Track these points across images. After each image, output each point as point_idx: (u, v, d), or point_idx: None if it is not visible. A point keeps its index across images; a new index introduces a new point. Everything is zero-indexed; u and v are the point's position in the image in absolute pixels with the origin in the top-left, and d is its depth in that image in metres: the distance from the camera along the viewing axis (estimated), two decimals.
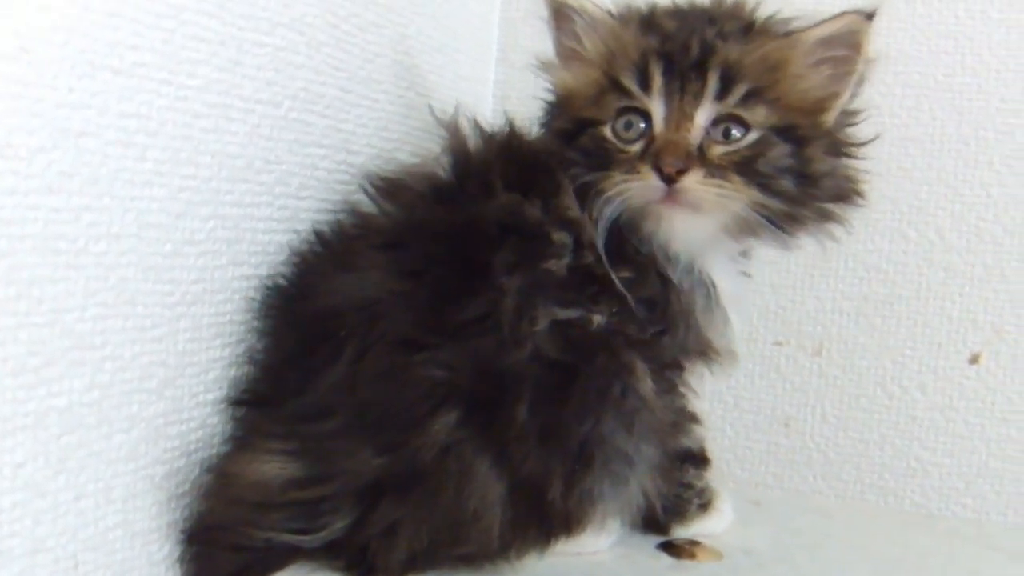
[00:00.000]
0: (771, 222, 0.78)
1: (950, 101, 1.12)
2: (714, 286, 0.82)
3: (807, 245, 0.86)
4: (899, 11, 1.12)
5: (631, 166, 0.76)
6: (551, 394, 0.71)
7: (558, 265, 0.74)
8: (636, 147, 0.77)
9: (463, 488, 0.69)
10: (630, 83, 0.78)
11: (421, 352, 0.70)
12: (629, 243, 0.78)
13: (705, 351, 0.82)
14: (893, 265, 1.13)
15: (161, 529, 0.71)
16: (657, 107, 0.77)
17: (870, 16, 0.78)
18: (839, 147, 0.82)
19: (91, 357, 0.63)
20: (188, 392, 0.72)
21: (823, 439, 1.16)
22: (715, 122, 0.77)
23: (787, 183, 0.78)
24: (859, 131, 0.84)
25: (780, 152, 0.78)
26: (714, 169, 0.76)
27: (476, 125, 0.82)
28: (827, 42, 0.79)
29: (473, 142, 0.81)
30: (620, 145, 0.78)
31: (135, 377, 0.67)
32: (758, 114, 0.78)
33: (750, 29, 0.80)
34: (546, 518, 0.72)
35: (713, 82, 0.77)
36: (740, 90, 0.77)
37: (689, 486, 0.86)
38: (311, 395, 0.72)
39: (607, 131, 0.79)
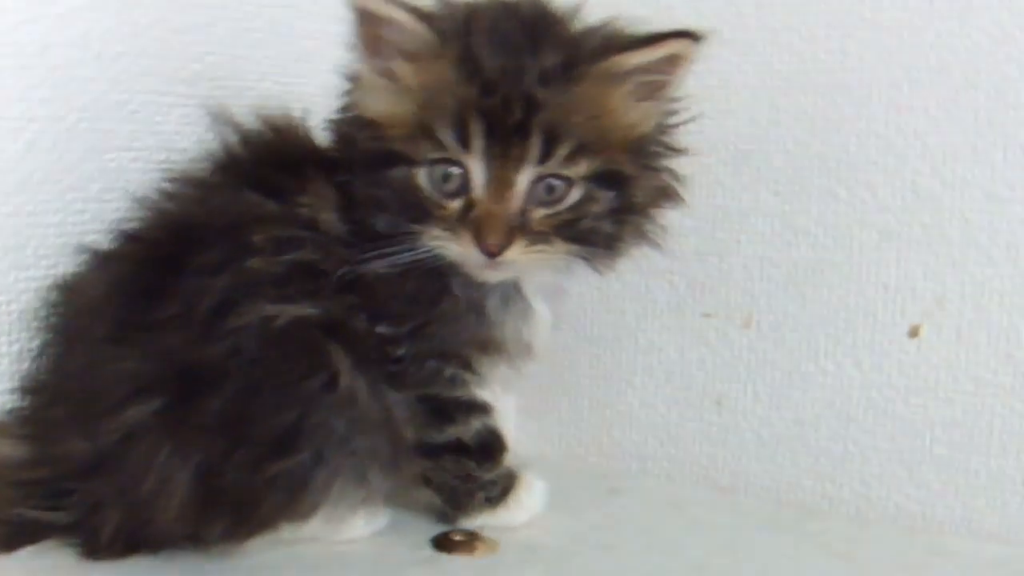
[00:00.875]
0: (590, 264, 0.90)
1: (878, 40, 1.10)
2: (517, 279, 0.90)
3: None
4: None
5: (450, 227, 0.83)
6: (247, 386, 0.81)
7: (271, 262, 0.83)
8: (455, 205, 0.84)
9: (141, 470, 0.81)
10: (448, 138, 0.82)
11: (119, 346, 0.83)
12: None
13: (485, 344, 0.91)
14: (822, 228, 1.13)
15: None
16: (477, 169, 0.83)
17: (698, 39, 0.85)
18: (659, 157, 0.90)
19: None
20: None
21: (756, 419, 1.18)
22: (535, 182, 0.84)
23: (606, 225, 0.88)
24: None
25: (603, 202, 0.87)
26: (535, 236, 0.84)
27: (260, 119, 0.91)
28: (650, 68, 0.86)
29: (240, 137, 0.90)
30: (436, 198, 0.84)
31: None
32: (580, 168, 0.84)
33: (572, 61, 0.84)
34: (233, 504, 0.83)
35: (536, 146, 0.82)
36: (564, 150, 0.83)
37: (469, 478, 0.94)
38: (49, 385, 0.88)
39: (421, 178, 0.84)
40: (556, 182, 0.84)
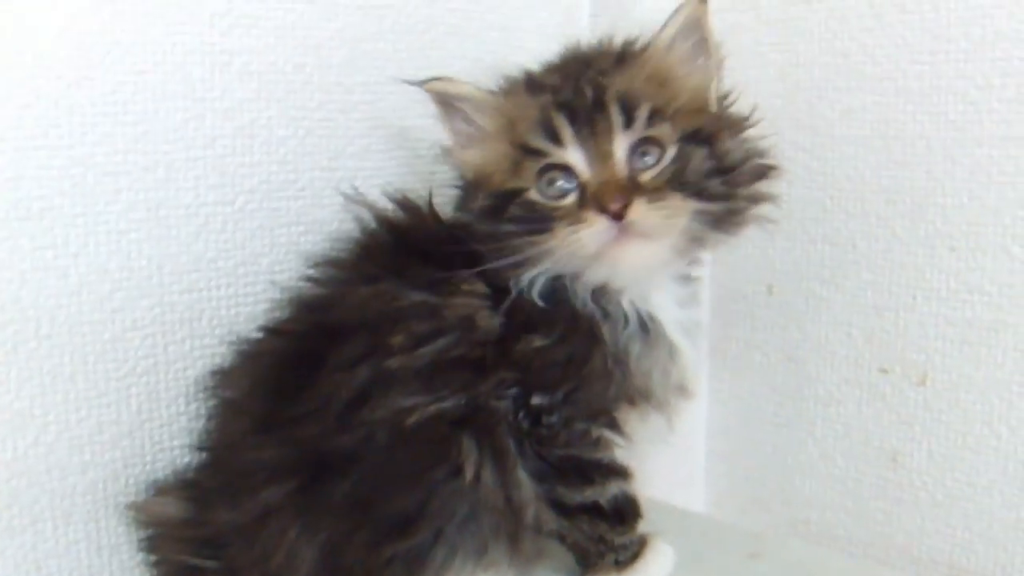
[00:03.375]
0: (715, 226, 0.92)
1: None
2: (653, 320, 0.94)
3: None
4: None
5: (574, 217, 0.87)
6: (373, 473, 0.89)
7: (411, 357, 0.88)
8: (570, 200, 0.89)
9: (273, 546, 0.90)
10: (540, 143, 0.90)
11: (261, 436, 0.92)
12: (549, 307, 0.91)
13: (633, 396, 0.94)
14: (997, 287, 1.08)
15: None
16: (575, 156, 0.89)
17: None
18: (737, 129, 0.94)
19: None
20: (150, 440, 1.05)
21: (930, 478, 1.15)
22: (631, 151, 0.89)
23: (715, 184, 0.91)
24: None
25: (699, 156, 0.90)
26: (652, 193, 0.87)
27: (400, 202, 0.98)
28: (681, 35, 0.93)
29: (380, 222, 0.97)
30: (552, 204, 0.89)
31: (87, 432, 1.00)
32: (665, 131, 0.90)
33: (621, 58, 0.94)
34: None
35: (616, 114, 0.88)
36: (643, 113, 0.89)
37: (602, 540, 0.97)
38: (207, 455, 1.01)
39: (534, 195, 0.90)
40: (651, 148, 0.89)
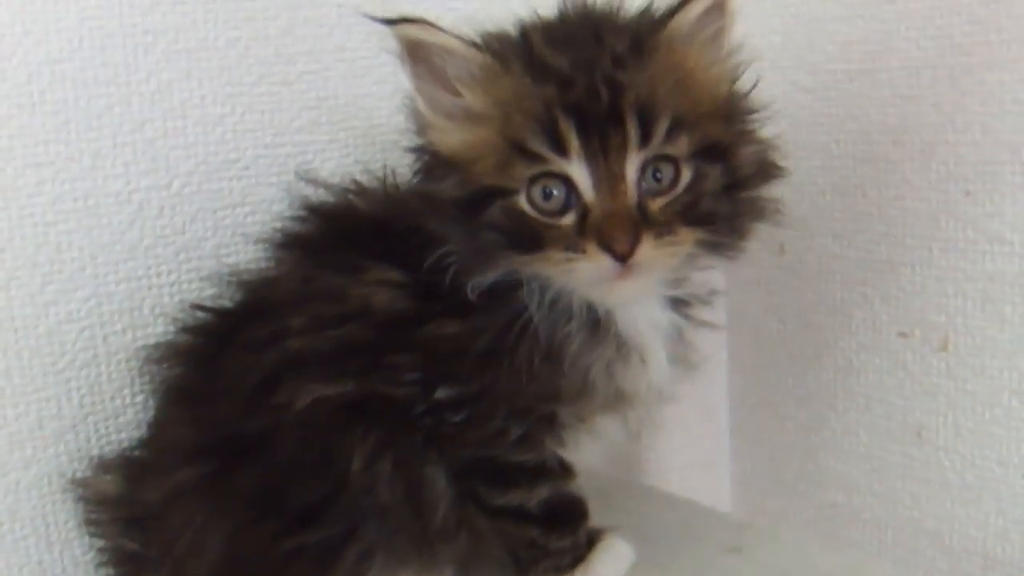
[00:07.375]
0: (715, 251, 0.79)
1: None
2: (607, 314, 0.80)
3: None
4: None
5: (571, 243, 0.75)
6: (280, 461, 0.81)
7: (314, 340, 0.81)
8: (567, 219, 0.75)
9: (180, 529, 0.84)
10: (540, 147, 0.75)
11: (180, 410, 0.88)
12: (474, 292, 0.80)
13: (562, 397, 0.81)
14: (1019, 235, 0.90)
15: None
16: (580, 172, 0.75)
17: None
18: (752, 137, 0.81)
19: None
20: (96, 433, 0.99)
21: (958, 457, 0.98)
22: (643, 169, 0.75)
23: (724, 204, 0.78)
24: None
25: (713, 178, 0.77)
26: (662, 228, 0.75)
27: (337, 184, 0.89)
28: (704, 18, 0.78)
29: (312, 204, 0.89)
30: (545, 219, 0.76)
31: (27, 428, 0.94)
32: (682, 145, 0.76)
33: (638, 38, 0.77)
34: (257, 573, 0.83)
35: (633, 128, 0.74)
36: (662, 126, 0.75)
37: (533, 545, 0.86)
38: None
39: (523, 203, 0.76)
40: (664, 166, 0.75)
